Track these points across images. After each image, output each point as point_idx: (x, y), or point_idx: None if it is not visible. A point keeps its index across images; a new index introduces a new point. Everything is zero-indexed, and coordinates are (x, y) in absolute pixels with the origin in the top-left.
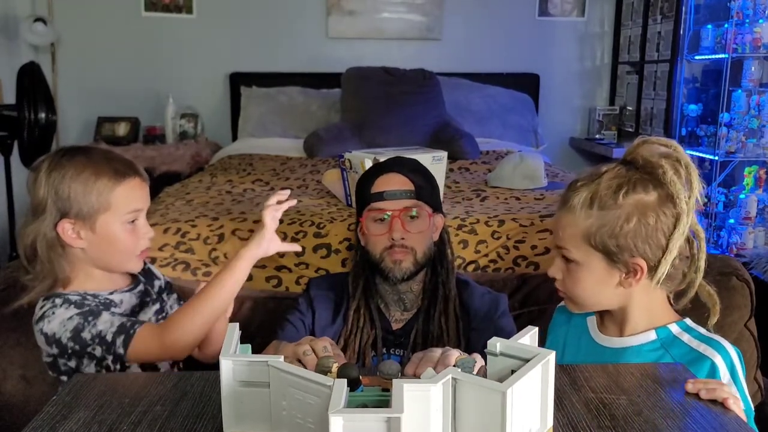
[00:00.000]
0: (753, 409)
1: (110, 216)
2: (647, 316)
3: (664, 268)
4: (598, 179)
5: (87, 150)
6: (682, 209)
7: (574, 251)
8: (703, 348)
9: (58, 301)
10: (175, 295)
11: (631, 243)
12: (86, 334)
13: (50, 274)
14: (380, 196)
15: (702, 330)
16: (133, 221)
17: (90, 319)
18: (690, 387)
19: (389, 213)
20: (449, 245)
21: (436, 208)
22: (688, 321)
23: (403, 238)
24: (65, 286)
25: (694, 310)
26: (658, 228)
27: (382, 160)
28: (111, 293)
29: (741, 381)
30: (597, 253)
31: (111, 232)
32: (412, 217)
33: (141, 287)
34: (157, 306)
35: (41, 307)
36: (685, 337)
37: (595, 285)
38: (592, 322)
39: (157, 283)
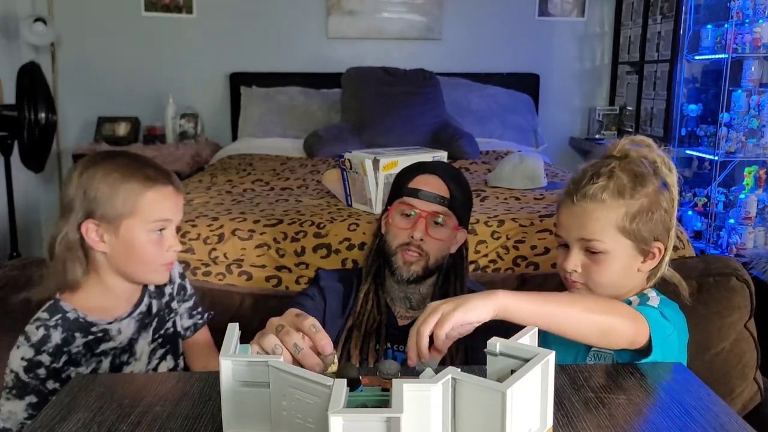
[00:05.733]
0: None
1: (135, 222)
2: (632, 295)
3: (671, 248)
4: (610, 171)
5: (123, 154)
6: (675, 196)
7: (606, 241)
8: (636, 303)
9: (35, 335)
10: (189, 303)
11: (656, 228)
12: (4, 387)
13: (60, 275)
14: (415, 193)
15: (652, 294)
16: (160, 230)
17: (14, 392)
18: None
19: (417, 211)
20: (466, 260)
21: (463, 222)
22: (648, 290)
23: (422, 239)
24: (73, 291)
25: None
26: (667, 212)
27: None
28: (110, 323)
29: (662, 338)
30: (627, 240)
31: (134, 239)
32: (437, 223)
33: (144, 306)
34: (154, 325)
35: (31, 322)
36: (635, 303)
37: (621, 272)
38: None
39: (167, 290)
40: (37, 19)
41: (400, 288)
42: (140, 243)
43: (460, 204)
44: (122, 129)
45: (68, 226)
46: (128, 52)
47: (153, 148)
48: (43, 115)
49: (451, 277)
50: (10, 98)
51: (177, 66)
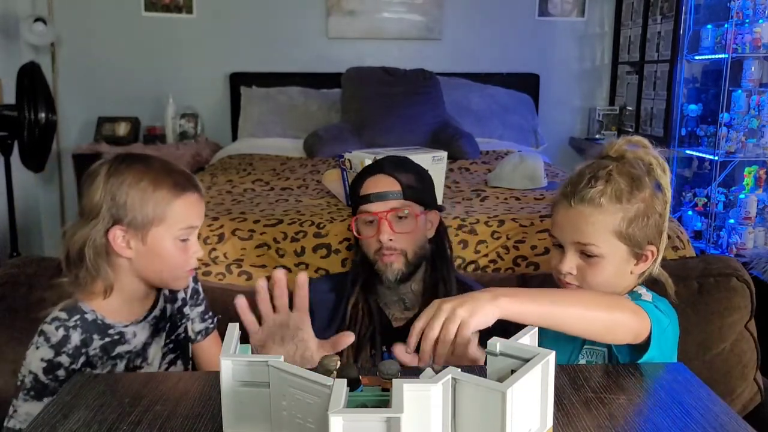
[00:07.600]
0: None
1: (163, 230)
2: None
3: (662, 251)
4: (607, 175)
5: (147, 158)
6: (667, 198)
7: (602, 245)
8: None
9: (54, 336)
10: (201, 308)
11: (650, 232)
12: (21, 388)
13: (92, 281)
14: (367, 199)
15: (643, 290)
16: (185, 239)
17: (32, 393)
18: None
19: (376, 216)
20: (447, 240)
21: (429, 205)
22: (638, 288)
23: (391, 240)
24: (106, 295)
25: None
26: (660, 215)
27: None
28: (126, 326)
29: (661, 336)
30: (622, 245)
31: (161, 246)
32: (401, 218)
33: (157, 311)
34: (167, 329)
35: (48, 322)
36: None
37: (615, 274)
38: None
39: (180, 295)
40: (37, 19)
41: (392, 291)
42: (167, 250)
43: (415, 190)
44: (122, 129)
45: (95, 232)
46: (128, 52)
47: (153, 148)
48: (43, 115)
49: (437, 264)
50: (10, 98)
51: (177, 66)
